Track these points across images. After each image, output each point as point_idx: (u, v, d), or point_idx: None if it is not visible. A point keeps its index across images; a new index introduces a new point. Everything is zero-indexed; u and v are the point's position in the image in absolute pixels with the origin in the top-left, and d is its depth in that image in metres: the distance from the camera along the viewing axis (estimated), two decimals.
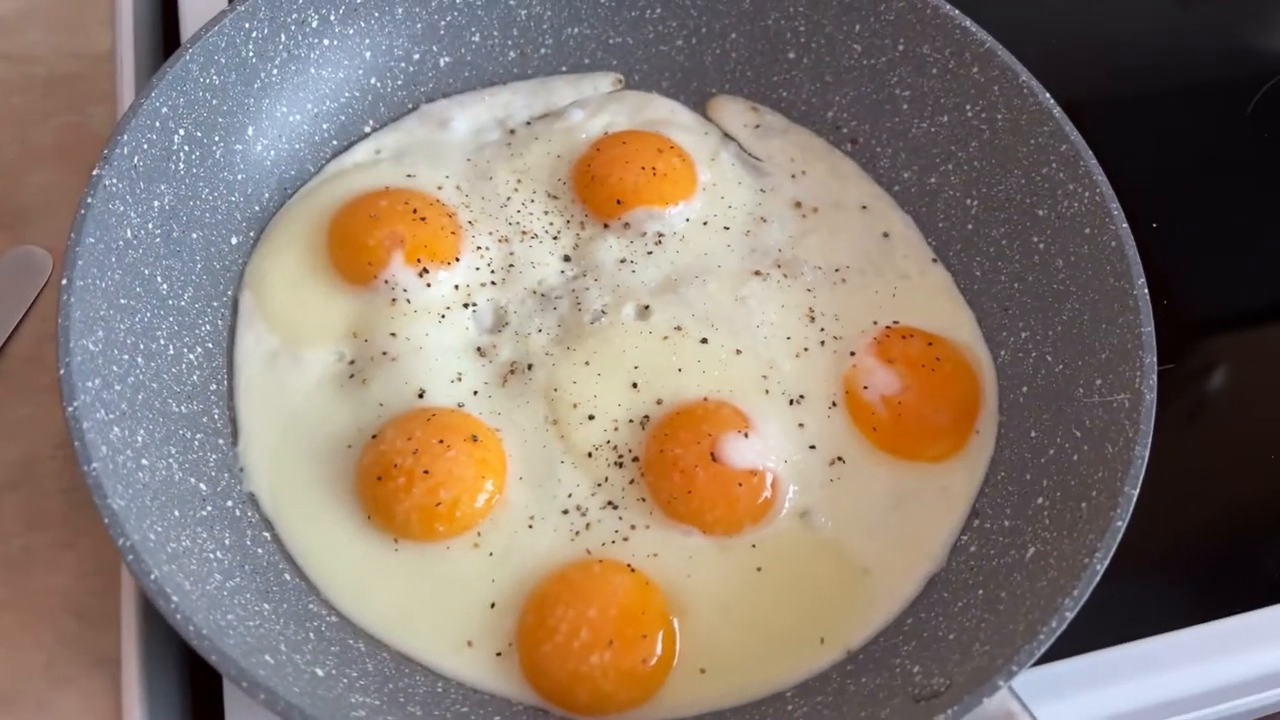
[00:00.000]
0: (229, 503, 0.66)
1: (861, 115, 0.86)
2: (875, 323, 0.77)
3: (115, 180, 0.66)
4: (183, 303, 0.70)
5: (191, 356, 0.70)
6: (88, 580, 0.66)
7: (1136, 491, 0.62)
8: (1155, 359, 0.66)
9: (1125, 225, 0.71)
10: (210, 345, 0.72)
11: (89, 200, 0.64)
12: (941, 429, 0.73)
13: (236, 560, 0.63)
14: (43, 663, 0.64)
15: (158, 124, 0.69)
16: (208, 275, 0.73)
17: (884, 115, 0.85)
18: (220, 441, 0.69)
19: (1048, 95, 0.76)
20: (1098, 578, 0.59)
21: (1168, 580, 0.79)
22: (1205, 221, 0.97)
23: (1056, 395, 0.71)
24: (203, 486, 0.65)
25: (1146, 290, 0.69)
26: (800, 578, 0.68)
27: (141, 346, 0.66)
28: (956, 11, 0.80)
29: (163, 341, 0.68)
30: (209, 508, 0.64)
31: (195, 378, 0.69)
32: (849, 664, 0.65)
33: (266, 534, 0.67)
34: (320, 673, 0.59)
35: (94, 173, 0.65)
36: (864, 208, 0.84)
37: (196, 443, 0.67)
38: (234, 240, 0.75)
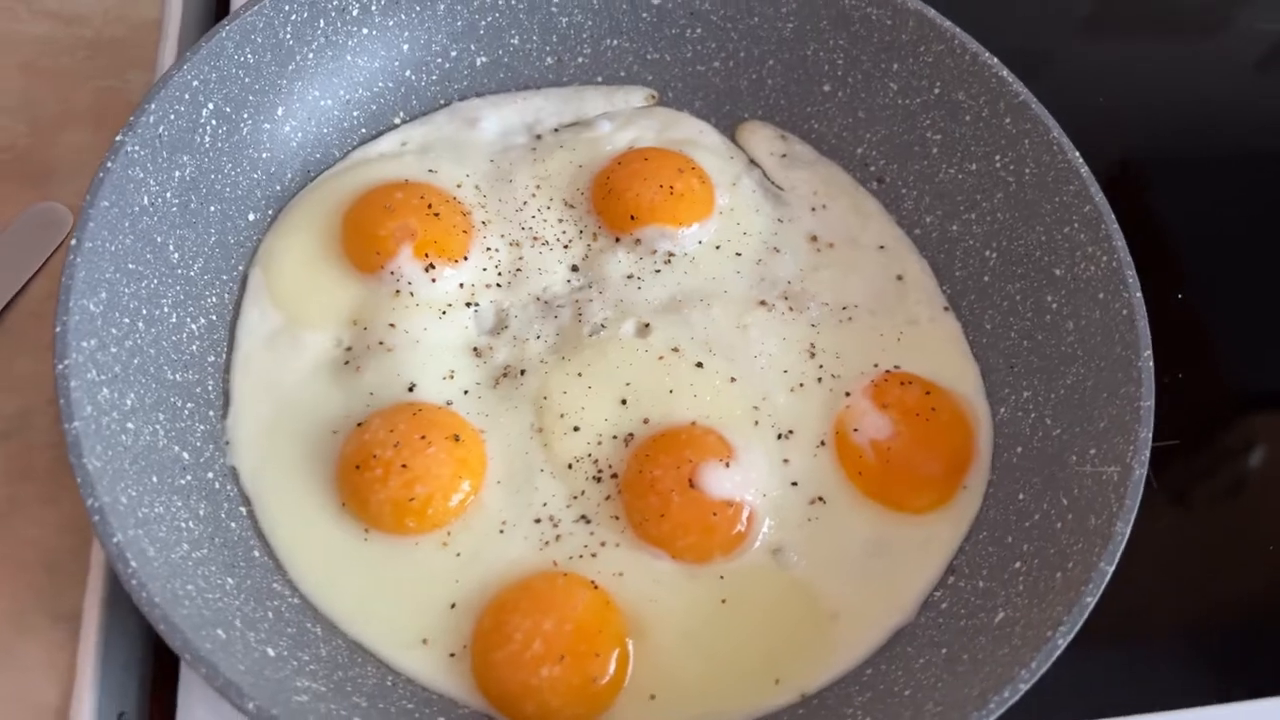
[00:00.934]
0: (209, 474, 0.67)
1: (890, 155, 0.85)
2: (876, 365, 0.76)
3: (138, 147, 0.67)
4: (192, 273, 0.71)
5: (194, 327, 0.71)
6: (65, 537, 0.67)
7: (1112, 568, 0.60)
8: (1150, 434, 0.65)
9: (1139, 295, 0.70)
10: (214, 318, 0.73)
11: (109, 164, 0.66)
12: (928, 480, 0.72)
13: (208, 532, 0.64)
14: (12, 610, 0.65)
15: (187, 96, 0.71)
16: (220, 249, 0.74)
17: (913, 157, 0.84)
18: (210, 413, 0.70)
19: (1076, 153, 0.75)
20: (1058, 652, 0.58)
21: (1137, 662, 0.76)
22: (1239, 295, 0.94)
23: (1050, 460, 0.70)
24: (185, 455, 0.66)
25: (1151, 363, 0.67)
26: (765, 615, 0.67)
27: (144, 312, 0.67)
28: (995, 60, 0.79)
29: (166, 309, 0.69)
30: (189, 477, 0.65)
31: (195, 348, 0.71)
32: (801, 708, 0.64)
33: (242, 509, 0.68)
34: (271, 652, 0.60)
35: (117, 138, 0.67)
36: (881, 248, 0.83)
37: (186, 412, 0.68)
38: (251, 217, 0.76)
